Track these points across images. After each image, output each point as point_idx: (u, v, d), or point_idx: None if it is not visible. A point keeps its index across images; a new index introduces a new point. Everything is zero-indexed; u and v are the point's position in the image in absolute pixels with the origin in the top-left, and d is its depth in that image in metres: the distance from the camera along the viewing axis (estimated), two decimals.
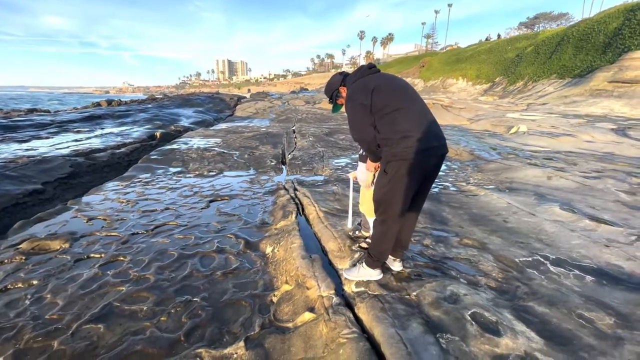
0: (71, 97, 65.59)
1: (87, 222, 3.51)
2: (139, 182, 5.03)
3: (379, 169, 1.95)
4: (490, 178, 5.01)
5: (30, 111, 13.46)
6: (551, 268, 2.23)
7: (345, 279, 2.12)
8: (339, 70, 2.16)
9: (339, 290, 2.09)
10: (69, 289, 2.28)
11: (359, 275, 2.07)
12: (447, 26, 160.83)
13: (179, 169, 5.75)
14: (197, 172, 5.53)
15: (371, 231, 2.48)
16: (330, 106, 2.21)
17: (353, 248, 2.50)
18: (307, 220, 3.41)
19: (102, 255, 2.77)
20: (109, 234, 3.18)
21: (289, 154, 6.96)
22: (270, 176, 5.36)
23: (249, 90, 61.29)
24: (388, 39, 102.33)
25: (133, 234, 3.19)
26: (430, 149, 1.73)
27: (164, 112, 14.25)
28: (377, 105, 1.76)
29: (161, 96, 26.92)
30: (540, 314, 1.73)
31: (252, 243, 2.97)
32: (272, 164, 6.16)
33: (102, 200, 4.21)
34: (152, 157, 6.48)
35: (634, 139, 7.97)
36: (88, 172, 5.55)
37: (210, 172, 5.58)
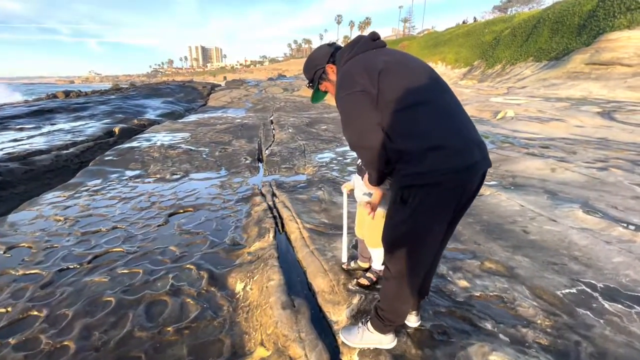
0: (32, 88, 60.47)
1: (3, 253, 2.72)
2: (85, 191, 4.20)
3: (386, 196, 1.33)
4: (489, 172, 4.53)
5: None
6: (606, 305, 1.73)
7: (344, 343, 1.52)
8: (328, 43, 1.38)
9: None
10: None
11: (363, 341, 1.46)
12: (424, 10, 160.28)
13: (136, 172, 4.92)
14: (158, 176, 4.74)
15: (372, 262, 1.88)
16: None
17: (350, 287, 1.90)
18: (289, 239, 2.77)
19: (9, 309, 2.03)
20: (27, 272, 2.43)
21: (267, 149, 6.24)
22: (244, 178, 4.65)
23: (224, 78, 58.73)
24: (366, 23, 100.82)
25: (61, 270, 2.45)
26: (473, 165, 1.11)
27: (127, 104, 12.98)
28: (388, 96, 1.10)
29: (127, 86, 24.98)
30: None
31: (217, 277, 2.31)
32: (247, 162, 5.44)
33: (33, 219, 3.39)
34: (107, 158, 5.59)
35: (621, 123, 7.77)
36: (24, 180, 4.63)
37: (174, 174, 4.79)
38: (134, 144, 6.57)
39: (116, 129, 7.69)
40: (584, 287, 1.88)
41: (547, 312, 1.68)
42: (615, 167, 4.32)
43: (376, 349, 1.44)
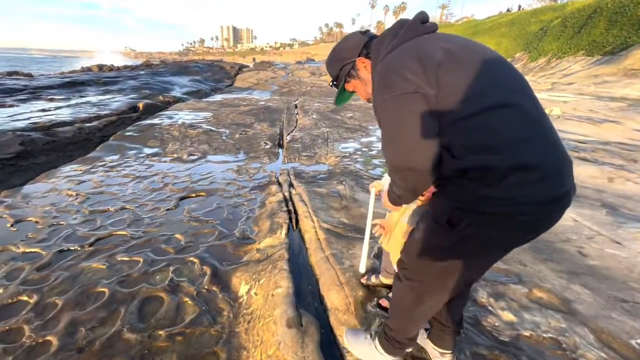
0: (70, 61, 63.17)
1: (10, 226, 2.64)
2: (102, 166, 4.12)
3: (429, 202, 1.00)
4: None
5: (10, 74, 12.33)
6: None
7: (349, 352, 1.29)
8: (360, 29, 0.91)
9: None
10: None
11: (368, 355, 1.29)
12: None
13: (154, 150, 4.80)
14: (175, 155, 4.59)
15: None
16: None
17: (368, 307, 1.60)
18: (302, 238, 2.50)
19: (0, 291, 1.90)
20: (27, 250, 2.31)
21: (288, 134, 5.96)
22: (262, 163, 4.41)
23: (253, 60, 58.48)
24: (401, 9, 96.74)
25: (61, 251, 2.31)
26: (565, 196, 0.79)
27: (155, 80, 13.05)
28: (453, 96, 0.78)
29: (157, 62, 25.34)
30: None
31: (221, 274, 2.09)
32: (267, 147, 5.18)
33: (47, 192, 3.32)
34: (127, 133, 5.52)
35: None
36: (45, 151, 4.63)
37: (191, 155, 4.63)
38: (156, 120, 6.49)
39: (140, 105, 7.66)
40: None
41: None
42: None
43: None
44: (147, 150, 4.79)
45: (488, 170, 0.76)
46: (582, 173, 4.00)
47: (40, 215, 2.82)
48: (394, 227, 1.34)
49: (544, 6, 35.73)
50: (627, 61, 16.16)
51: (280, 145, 5.46)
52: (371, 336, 1.33)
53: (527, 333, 1.49)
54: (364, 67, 1.01)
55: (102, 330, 1.64)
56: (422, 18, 0.92)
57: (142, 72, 15.41)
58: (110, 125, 6.17)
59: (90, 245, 2.40)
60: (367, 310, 1.59)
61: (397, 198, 0.98)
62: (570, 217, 2.75)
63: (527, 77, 19.74)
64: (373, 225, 1.45)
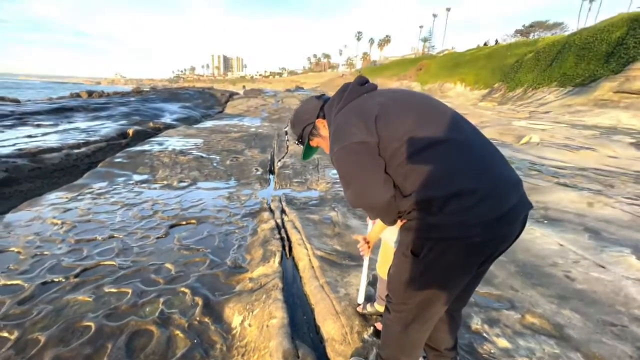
0: (59, 87, 63.01)
1: None
2: (89, 193, 4.05)
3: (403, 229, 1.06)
4: None
5: None
6: None
7: None
8: (317, 93, 1.13)
9: None
10: None
11: None
12: (444, 30, 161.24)
13: (144, 177, 4.76)
14: (165, 182, 4.56)
15: None
16: None
17: (365, 336, 1.59)
18: (296, 266, 2.48)
19: None
20: (8, 283, 2.21)
21: (279, 160, 6.03)
22: (253, 190, 4.42)
23: (243, 87, 59.78)
24: (385, 41, 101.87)
25: (45, 283, 2.22)
26: (509, 212, 0.87)
27: (146, 107, 13.14)
28: (391, 142, 0.91)
29: (148, 89, 25.57)
30: None
31: (213, 305, 2.04)
32: (258, 173, 5.22)
33: (30, 220, 3.22)
34: (116, 160, 5.48)
35: None
36: (30, 177, 4.53)
37: (182, 182, 4.61)
38: (146, 147, 6.48)
39: (130, 131, 7.65)
40: None
41: None
42: None
43: None
44: (137, 177, 4.74)
45: (430, 202, 0.86)
46: (564, 198, 4.17)
47: (23, 245, 2.73)
48: (375, 238, 1.44)
49: (518, 41, 38.43)
50: (596, 92, 17.30)
51: (272, 172, 5.50)
52: None
53: None
54: (322, 126, 1.16)
55: None
56: (361, 81, 1.07)
57: (133, 99, 15.51)
58: (99, 151, 6.12)
59: (76, 276, 2.32)
60: (364, 340, 1.57)
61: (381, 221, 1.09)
62: (555, 241, 2.84)
63: (506, 106, 20.66)
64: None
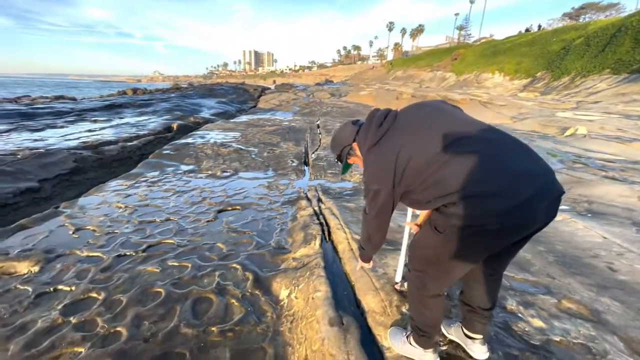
0: (104, 85, 67.99)
1: (72, 233, 2.96)
2: (144, 181, 4.48)
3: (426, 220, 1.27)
4: None
5: (57, 98, 13.51)
6: None
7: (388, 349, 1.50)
8: (352, 119, 1.60)
9: None
10: (10, 348, 1.67)
11: (404, 350, 1.47)
12: (482, 17, 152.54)
13: (190, 167, 5.17)
14: (209, 172, 4.92)
15: None
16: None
17: (403, 310, 1.74)
18: (335, 249, 2.66)
19: (73, 288, 2.16)
20: (90, 254, 2.59)
21: (313, 152, 6.23)
22: (290, 180, 4.65)
23: (274, 82, 60.77)
24: (418, 31, 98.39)
25: (119, 255, 2.58)
26: (524, 203, 0.98)
27: (186, 102, 13.90)
28: (412, 173, 1.12)
29: (186, 85, 26.87)
30: None
31: (262, 280, 2.27)
32: (294, 164, 5.45)
33: (99, 204, 3.67)
34: (165, 152, 5.95)
35: None
36: (94, 167, 5.09)
37: (225, 172, 4.95)
38: (189, 140, 6.95)
39: (174, 125, 8.21)
40: None
41: None
42: None
43: None
44: (184, 167, 5.16)
45: (449, 204, 1.06)
46: (611, 192, 3.98)
47: (97, 224, 3.14)
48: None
49: (565, 25, 35.55)
50: None
51: (306, 163, 5.71)
52: (407, 333, 1.47)
53: (557, 338, 1.57)
54: (357, 148, 1.37)
55: (162, 325, 1.85)
56: (379, 122, 1.24)
57: (173, 95, 16.44)
58: (148, 144, 6.66)
59: (143, 251, 2.66)
60: (402, 313, 1.72)
61: (361, 253, 1.56)
62: (598, 233, 2.78)
63: (550, 96, 19.32)
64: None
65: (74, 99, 13.64)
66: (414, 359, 1.41)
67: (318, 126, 9.43)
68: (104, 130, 7.20)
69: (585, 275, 2.16)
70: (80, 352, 1.65)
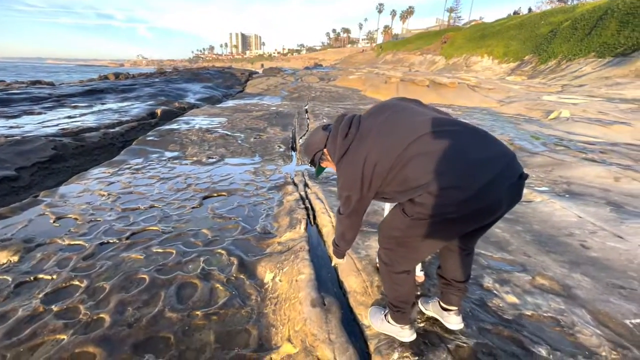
0: (85, 70, 65.35)
1: (53, 222, 2.90)
2: (128, 168, 4.40)
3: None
4: (540, 176, 4.15)
5: (33, 83, 12.94)
6: None
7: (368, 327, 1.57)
8: (323, 123, 1.75)
9: None
10: None
11: (383, 328, 1.53)
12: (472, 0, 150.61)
13: (175, 154, 5.08)
14: (194, 158, 4.85)
15: None
16: None
17: (383, 290, 1.78)
18: (320, 233, 2.69)
19: (54, 277, 2.14)
20: (72, 243, 2.55)
21: (300, 138, 6.18)
22: (277, 165, 4.63)
23: (262, 66, 59.37)
24: (408, 13, 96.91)
25: (102, 243, 2.55)
26: (482, 190, 1.04)
27: (170, 87, 13.52)
28: (381, 174, 1.19)
29: (170, 70, 26.04)
30: None
31: (247, 264, 2.29)
32: (281, 150, 5.42)
33: (81, 192, 3.59)
34: (148, 138, 5.82)
35: None
36: (75, 155, 4.94)
37: (210, 158, 4.88)
38: (174, 126, 6.80)
39: (158, 111, 8.00)
40: None
41: (614, 343, 1.46)
42: None
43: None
44: (168, 154, 5.06)
45: (412, 197, 1.13)
46: (590, 173, 4.10)
47: (79, 212, 3.08)
48: None
49: (554, 8, 35.53)
50: (639, 62, 16.02)
51: (293, 149, 5.68)
52: (386, 312, 1.52)
53: (528, 312, 1.64)
54: (328, 154, 1.43)
55: (146, 310, 1.86)
56: (344, 133, 1.29)
57: (157, 80, 15.95)
58: (131, 130, 6.50)
59: (127, 238, 2.63)
60: (382, 292, 1.76)
61: (335, 250, 1.61)
62: (574, 213, 2.88)
63: (536, 80, 19.50)
64: None
65: (51, 84, 13.08)
66: (392, 335, 1.46)
67: (306, 111, 9.33)
68: (84, 117, 6.97)
69: (559, 253, 2.25)
70: (63, 339, 1.65)
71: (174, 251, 2.43)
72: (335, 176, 1.39)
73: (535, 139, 6.16)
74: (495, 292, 1.80)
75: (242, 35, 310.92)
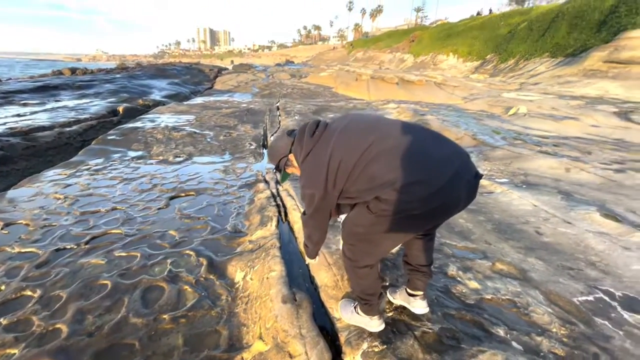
0: (37, 65, 60.36)
1: (1, 229, 2.67)
2: (87, 169, 4.14)
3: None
4: (500, 169, 4.39)
5: None
6: (626, 316, 1.63)
7: (339, 319, 1.60)
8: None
9: None
10: None
11: (352, 320, 1.55)
12: (437, 0, 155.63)
13: (139, 153, 4.84)
14: (160, 158, 4.65)
15: None
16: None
17: None
18: (292, 230, 2.69)
19: (2, 287, 1.97)
20: (23, 251, 2.37)
21: (272, 135, 6.12)
22: (248, 163, 4.55)
23: (231, 62, 57.84)
24: (377, 12, 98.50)
25: (58, 249, 2.39)
26: (442, 188, 1.09)
27: (133, 84, 12.83)
28: (345, 171, 1.20)
29: (133, 65, 24.71)
30: None
31: (217, 264, 2.24)
32: (252, 147, 5.33)
33: (33, 196, 3.33)
34: (110, 137, 5.50)
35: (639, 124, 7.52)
36: (25, 156, 4.57)
37: (177, 157, 4.71)
38: (138, 124, 6.47)
39: (120, 108, 7.58)
40: (601, 295, 1.78)
41: (563, 319, 1.59)
42: (633, 169, 4.16)
43: (382, 350, 1.36)
44: (132, 154, 4.82)
45: (378, 194, 1.15)
46: (543, 165, 4.40)
47: (30, 218, 2.86)
48: None
49: (512, 10, 37.60)
50: (586, 62, 17.35)
51: (265, 146, 5.61)
52: (355, 304, 1.55)
53: (489, 296, 1.74)
54: (294, 159, 1.43)
55: (109, 317, 1.77)
56: (311, 132, 1.32)
57: (118, 75, 15.08)
58: (90, 129, 6.11)
59: (86, 243, 2.48)
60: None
61: (306, 250, 1.62)
62: (530, 202, 3.08)
63: (497, 78, 20.52)
64: None
65: None
66: (361, 326, 1.49)
67: (278, 108, 9.23)
68: (36, 115, 6.45)
69: (516, 240, 2.40)
70: (14, 354, 1.53)
71: (139, 254, 2.33)
72: None
73: (496, 134, 6.51)
74: (459, 279, 1.89)
75: (211, 30, 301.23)
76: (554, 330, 1.52)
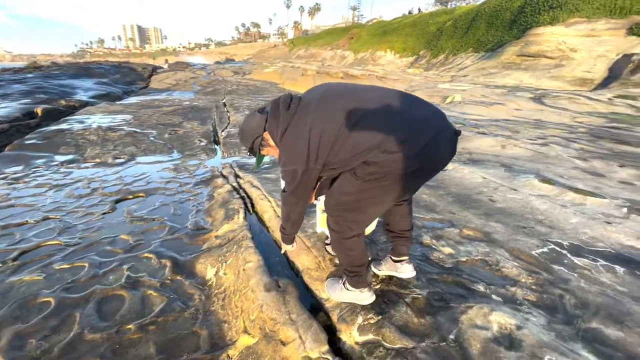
0: None
1: None
2: (3, 179, 3.51)
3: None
4: None
5: None
6: (575, 260, 1.84)
7: (327, 299, 1.55)
8: (258, 107, 1.46)
9: (337, 343, 1.37)
10: None
11: (342, 297, 1.50)
12: None
13: (70, 157, 4.25)
14: (97, 160, 4.13)
15: None
16: None
17: (336, 261, 1.78)
18: (261, 220, 2.56)
19: None
20: None
21: (222, 131, 5.81)
22: (201, 160, 4.26)
23: (166, 61, 53.85)
24: (315, 9, 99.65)
25: None
26: (428, 145, 1.11)
27: (50, 84, 11.21)
28: (329, 140, 1.16)
29: (48, 64, 21.65)
30: (616, 342, 1.26)
31: (183, 264, 2.04)
32: (202, 144, 5.00)
33: None
34: (28, 141, 4.75)
35: (551, 107, 8.68)
36: None
37: (117, 158, 4.22)
38: (64, 126, 5.68)
39: (38, 110, 6.57)
40: (553, 246, 1.99)
41: (528, 270, 1.73)
42: (553, 143, 4.77)
43: (378, 321, 1.34)
44: (60, 158, 4.21)
45: (365, 159, 1.13)
46: (483, 144, 4.83)
47: None
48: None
49: (438, 10, 40.75)
50: (503, 56, 19.55)
51: (216, 142, 5.31)
52: (342, 280, 1.51)
53: (463, 259, 1.84)
54: (269, 138, 1.32)
55: (57, 338, 1.50)
56: (286, 105, 1.24)
57: (30, 75, 13.10)
58: (2, 134, 5.19)
59: (14, 260, 2.09)
60: (336, 264, 1.76)
61: (282, 236, 1.56)
62: (479, 175, 3.34)
63: (431, 72, 22.09)
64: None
65: None
66: (352, 301, 1.46)
67: (225, 104, 8.82)
68: None
69: (475, 208, 2.58)
70: None
71: (86, 264, 2.02)
72: (268, 165, 1.29)
73: None
74: (434, 247, 1.96)
75: (139, 27, 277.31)
76: (523, 280, 1.65)
